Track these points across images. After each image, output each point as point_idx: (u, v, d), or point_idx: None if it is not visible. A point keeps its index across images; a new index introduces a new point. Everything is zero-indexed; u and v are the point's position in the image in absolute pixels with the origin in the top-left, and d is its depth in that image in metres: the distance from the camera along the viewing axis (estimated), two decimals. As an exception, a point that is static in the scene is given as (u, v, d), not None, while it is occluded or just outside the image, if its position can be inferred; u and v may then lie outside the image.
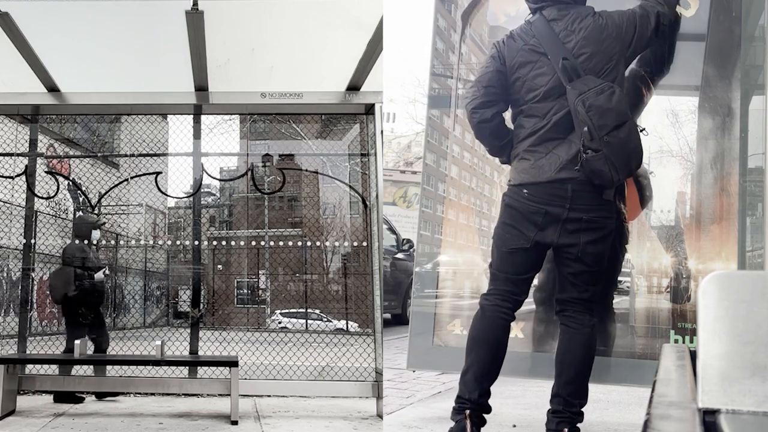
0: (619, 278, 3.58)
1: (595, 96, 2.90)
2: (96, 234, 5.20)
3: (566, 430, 2.94)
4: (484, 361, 3.00)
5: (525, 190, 3.04)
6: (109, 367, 4.87)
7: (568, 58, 2.99)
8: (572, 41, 3.03)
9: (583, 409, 3.01)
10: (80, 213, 5.32)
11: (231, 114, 5.62)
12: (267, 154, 5.90)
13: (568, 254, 3.02)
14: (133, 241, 7.00)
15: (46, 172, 5.41)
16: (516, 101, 3.14)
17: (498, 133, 3.18)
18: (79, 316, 5.02)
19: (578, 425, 2.98)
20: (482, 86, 3.15)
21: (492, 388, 3.04)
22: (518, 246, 3.05)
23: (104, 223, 5.21)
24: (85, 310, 5.04)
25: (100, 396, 4.92)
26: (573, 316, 3.04)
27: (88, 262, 5.14)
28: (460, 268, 3.92)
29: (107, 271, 5.16)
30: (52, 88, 4.90)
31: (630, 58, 3.16)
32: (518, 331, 3.59)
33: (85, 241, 5.17)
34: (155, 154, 5.47)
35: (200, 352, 5.18)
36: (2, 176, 5.23)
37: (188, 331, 5.34)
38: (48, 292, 5.45)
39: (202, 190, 5.42)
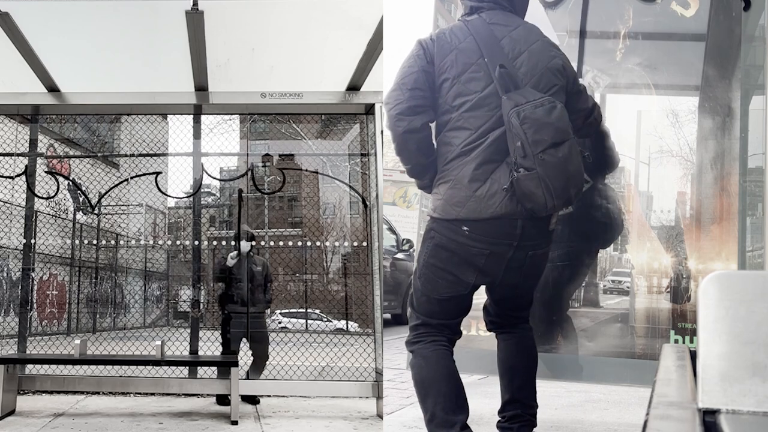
0: (620, 278, 3.58)
1: (533, 109, 2.54)
2: (244, 246, 5.25)
3: None
4: (449, 393, 2.65)
5: (465, 227, 2.60)
6: (109, 367, 4.87)
7: (507, 67, 2.61)
8: (516, 52, 2.66)
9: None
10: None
11: (231, 114, 5.62)
12: (267, 154, 5.90)
13: (507, 291, 2.81)
14: (133, 241, 7.00)
15: (46, 172, 5.41)
16: (441, 108, 2.68)
17: (426, 148, 2.68)
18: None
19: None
20: (407, 89, 2.63)
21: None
22: (454, 294, 2.69)
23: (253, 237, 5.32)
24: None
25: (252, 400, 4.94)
26: (515, 324, 2.91)
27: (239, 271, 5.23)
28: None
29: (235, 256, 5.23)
30: (52, 88, 4.90)
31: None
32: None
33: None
34: (155, 154, 5.47)
35: (200, 352, 5.18)
36: (2, 176, 5.23)
37: (188, 331, 5.34)
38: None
39: (202, 190, 5.42)
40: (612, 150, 3.39)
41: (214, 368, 4.98)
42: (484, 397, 3.96)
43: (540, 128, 2.52)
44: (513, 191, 2.55)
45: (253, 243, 5.27)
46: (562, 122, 2.59)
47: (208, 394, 5.00)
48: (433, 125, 2.74)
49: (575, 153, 2.61)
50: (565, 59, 2.80)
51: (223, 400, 4.89)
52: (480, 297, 2.93)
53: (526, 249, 2.66)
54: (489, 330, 2.98)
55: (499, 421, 2.89)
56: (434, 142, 2.74)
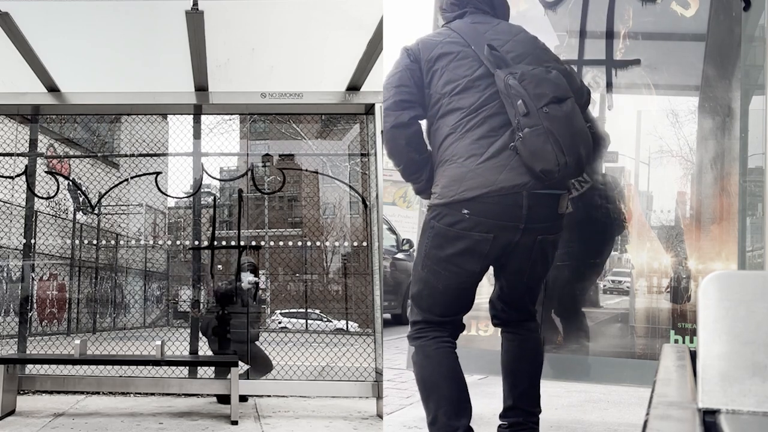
0: (620, 278, 3.58)
1: (529, 69, 2.51)
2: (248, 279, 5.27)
3: None
4: (452, 397, 2.55)
5: (465, 210, 2.46)
6: (109, 367, 4.87)
7: (496, 49, 2.56)
8: (501, 41, 2.63)
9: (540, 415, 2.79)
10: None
11: (231, 114, 5.62)
12: (267, 154, 5.90)
13: (514, 277, 2.71)
14: (133, 241, 6.99)
15: (46, 172, 5.41)
16: (431, 99, 2.62)
17: (416, 143, 2.61)
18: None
19: None
20: (392, 87, 2.62)
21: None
22: (457, 286, 2.60)
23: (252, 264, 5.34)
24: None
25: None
26: (520, 323, 2.81)
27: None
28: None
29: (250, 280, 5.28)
30: (52, 88, 4.90)
31: None
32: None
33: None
34: (155, 154, 5.47)
35: (200, 352, 5.18)
36: (2, 176, 5.23)
37: (188, 331, 5.34)
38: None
39: (202, 190, 5.41)
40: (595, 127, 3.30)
41: (217, 368, 4.98)
42: (484, 397, 3.96)
43: (540, 83, 2.47)
44: (518, 157, 2.43)
45: (254, 277, 5.30)
46: (560, 81, 2.54)
47: (207, 394, 5.00)
48: (423, 123, 2.68)
49: (578, 112, 2.54)
50: (548, 49, 2.82)
51: (224, 399, 4.90)
52: (482, 296, 2.91)
53: (534, 233, 2.52)
54: (495, 326, 2.91)
55: (500, 426, 2.81)
56: (427, 141, 2.69)
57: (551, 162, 2.40)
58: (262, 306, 5.56)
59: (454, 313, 2.68)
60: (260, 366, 5.05)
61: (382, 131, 4.94)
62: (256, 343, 5.19)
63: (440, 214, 2.54)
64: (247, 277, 5.23)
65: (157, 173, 5.31)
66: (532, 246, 2.57)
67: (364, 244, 5.22)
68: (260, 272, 5.46)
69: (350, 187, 6.23)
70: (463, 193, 2.46)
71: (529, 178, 2.45)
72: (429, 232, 2.60)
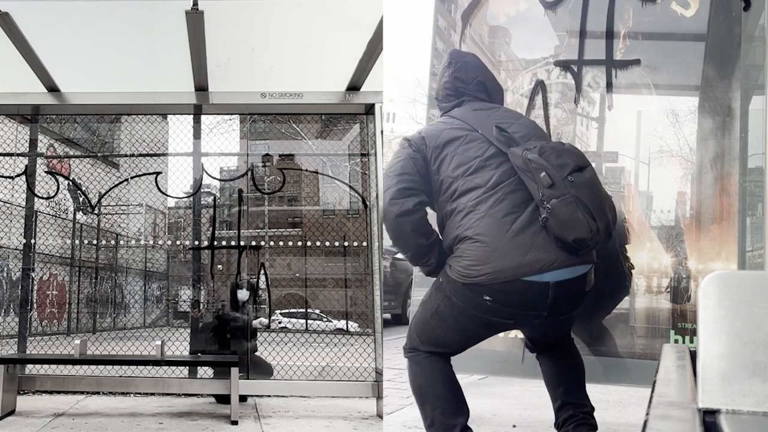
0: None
1: (545, 143, 2.57)
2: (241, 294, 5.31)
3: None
4: (447, 397, 2.62)
5: (487, 297, 2.43)
6: (109, 367, 4.87)
7: (505, 130, 2.60)
8: (506, 125, 2.66)
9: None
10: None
11: (231, 114, 5.62)
12: (267, 154, 5.90)
13: (539, 338, 2.88)
14: (133, 241, 6.99)
15: (46, 172, 5.41)
16: (444, 184, 2.61)
17: (422, 229, 2.60)
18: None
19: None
20: (394, 175, 2.61)
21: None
22: (466, 343, 2.70)
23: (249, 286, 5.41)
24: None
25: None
26: (554, 349, 2.94)
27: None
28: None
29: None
30: (52, 88, 4.90)
31: None
32: (519, 332, 3.59)
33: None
34: (155, 154, 5.47)
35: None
36: (2, 176, 5.22)
37: (188, 331, 5.34)
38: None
39: (202, 190, 5.41)
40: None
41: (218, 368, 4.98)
42: (483, 397, 3.96)
43: (560, 153, 2.49)
44: (544, 232, 2.41)
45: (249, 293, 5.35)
46: (578, 150, 2.59)
47: (207, 394, 5.00)
48: (433, 216, 2.69)
49: (598, 179, 2.57)
50: (546, 134, 2.93)
51: (224, 399, 4.89)
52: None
53: (557, 315, 2.54)
54: (532, 352, 3.02)
55: None
56: (435, 226, 2.70)
57: (584, 230, 2.38)
58: (262, 306, 5.56)
59: (456, 351, 2.75)
60: (260, 369, 5.05)
61: (381, 131, 4.94)
62: (256, 354, 5.19)
63: (459, 291, 2.52)
64: (244, 295, 5.27)
65: (157, 173, 5.31)
66: (555, 324, 2.65)
67: (364, 244, 5.22)
68: (261, 273, 5.46)
69: (350, 187, 6.23)
70: (487, 276, 2.42)
71: (558, 254, 2.41)
72: (444, 300, 2.59)
